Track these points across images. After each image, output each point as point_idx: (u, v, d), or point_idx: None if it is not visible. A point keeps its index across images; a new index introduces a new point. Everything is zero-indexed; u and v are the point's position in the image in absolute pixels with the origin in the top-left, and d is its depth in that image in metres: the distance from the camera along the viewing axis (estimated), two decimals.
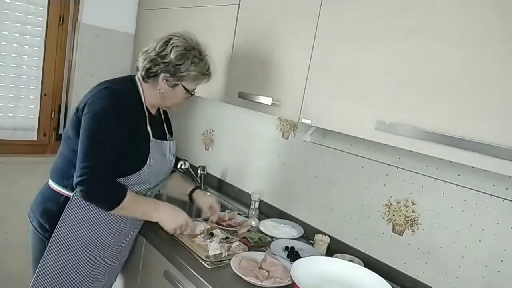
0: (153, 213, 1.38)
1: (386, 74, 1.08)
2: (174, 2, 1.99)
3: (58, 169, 1.38)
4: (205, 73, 1.39)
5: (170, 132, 1.58)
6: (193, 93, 1.42)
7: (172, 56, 1.31)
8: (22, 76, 2.13)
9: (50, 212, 1.34)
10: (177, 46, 1.32)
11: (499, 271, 1.19)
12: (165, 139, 1.49)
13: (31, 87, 2.16)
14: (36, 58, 2.15)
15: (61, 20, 2.20)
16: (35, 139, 2.22)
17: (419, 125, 1.00)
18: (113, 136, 1.26)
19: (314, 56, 1.28)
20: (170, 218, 1.40)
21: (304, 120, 1.31)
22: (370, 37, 1.12)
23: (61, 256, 1.33)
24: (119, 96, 1.31)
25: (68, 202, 1.31)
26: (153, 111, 1.46)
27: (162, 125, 1.53)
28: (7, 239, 2.17)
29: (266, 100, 1.41)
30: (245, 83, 1.55)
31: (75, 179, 1.24)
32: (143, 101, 1.39)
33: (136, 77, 1.41)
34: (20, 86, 2.13)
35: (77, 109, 1.33)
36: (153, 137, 1.39)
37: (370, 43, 1.12)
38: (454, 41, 0.95)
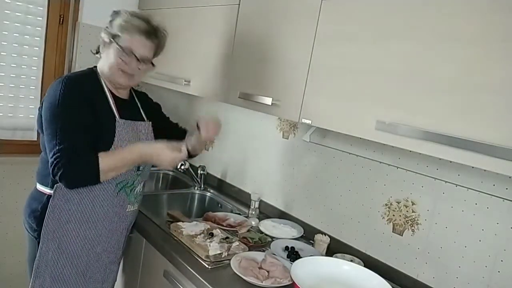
0: (137, 150, 1.31)
1: (386, 74, 1.08)
2: (174, 2, 1.99)
3: (39, 170, 1.40)
4: (136, 25, 1.32)
5: (155, 117, 1.54)
6: (131, 54, 1.32)
7: (113, 17, 1.36)
8: (22, 76, 2.13)
9: (35, 212, 1.35)
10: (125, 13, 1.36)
11: (499, 271, 1.19)
12: (139, 120, 1.46)
13: (31, 87, 2.16)
14: (36, 58, 2.15)
15: (61, 20, 2.20)
16: (35, 139, 2.21)
17: (419, 125, 1.00)
18: (71, 117, 1.24)
19: (314, 56, 1.28)
20: (158, 159, 1.32)
21: (304, 120, 1.31)
22: (370, 37, 1.12)
23: (52, 252, 1.33)
24: (71, 81, 1.29)
25: (51, 199, 1.31)
26: (122, 95, 1.43)
27: (136, 108, 1.50)
28: (7, 239, 2.17)
29: (266, 100, 1.41)
30: (245, 83, 1.55)
31: (50, 165, 1.22)
32: (103, 83, 1.37)
33: (97, 67, 1.42)
34: (20, 86, 2.13)
35: (41, 107, 1.33)
36: (120, 117, 1.36)
37: (370, 43, 1.12)
38: (454, 41, 0.95)
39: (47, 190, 1.34)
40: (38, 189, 1.38)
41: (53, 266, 1.34)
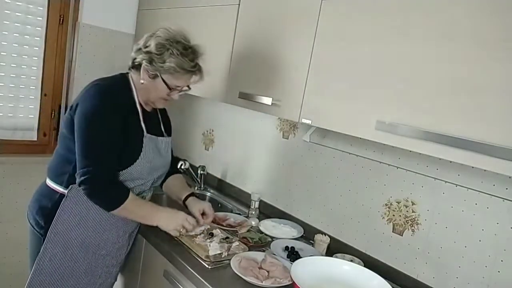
0: (151, 216, 1.38)
1: (386, 74, 1.08)
2: (174, 2, 1.99)
3: (53, 167, 1.40)
4: (186, 69, 1.33)
5: (168, 131, 1.58)
6: (176, 88, 1.37)
7: (152, 45, 1.32)
8: (22, 76, 2.13)
9: (45, 209, 1.36)
10: (159, 36, 1.33)
11: (499, 271, 1.19)
12: (161, 135, 1.49)
13: (31, 87, 2.16)
14: (36, 58, 2.15)
15: (61, 20, 2.20)
16: (35, 139, 2.22)
17: (419, 125, 1.00)
18: (106, 132, 1.28)
19: (314, 56, 1.28)
20: (168, 220, 1.40)
21: (304, 120, 1.31)
22: (370, 37, 1.12)
23: (56, 254, 1.34)
24: (108, 92, 1.32)
25: (63, 200, 1.32)
26: (148, 108, 1.46)
27: (158, 122, 1.53)
28: (7, 239, 2.17)
29: (266, 100, 1.41)
30: (245, 83, 1.55)
31: (78, 179, 1.26)
32: (135, 97, 1.39)
33: (129, 74, 1.42)
34: (20, 86, 2.13)
35: (71, 108, 1.34)
36: (147, 132, 1.40)
37: (370, 43, 1.12)
38: (454, 41, 0.95)
39: (59, 189, 1.35)
40: (50, 186, 1.38)
41: (55, 266, 1.34)
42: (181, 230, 1.41)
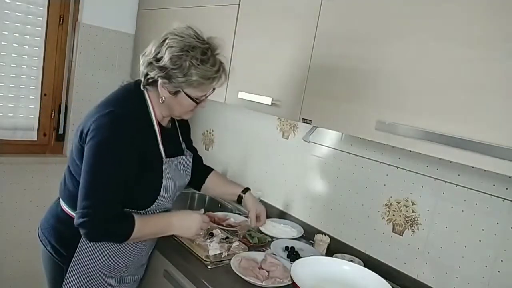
0: (165, 230, 1.27)
1: (386, 74, 1.08)
2: (174, 2, 1.99)
3: (70, 193, 1.25)
4: (210, 77, 1.18)
5: (189, 138, 1.48)
6: (202, 99, 1.24)
7: (166, 59, 1.14)
8: (22, 76, 2.13)
9: (64, 238, 1.26)
10: (172, 47, 1.14)
11: (499, 271, 1.19)
12: (180, 153, 1.37)
13: (31, 87, 2.16)
14: (36, 58, 2.15)
15: (61, 20, 2.20)
16: (35, 139, 2.22)
17: (419, 125, 1.00)
18: (116, 170, 1.15)
19: (314, 56, 1.28)
20: (186, 225, 1.29)
21: (304, 120, 1.31)
22: (370, 37, 1.12)
23: (81, 285, 1.26)
24: (122, 121, 1.16)
25: None
26: (165, 122, 1.32)
27: (177, 136, 1.41)
28: (7, 239, 2.17)
29: (266, 100, 1.41)
30: (245, 83, 1.55)
31: (76, 220, 1.13)
32: (152, 116, 1.25)
33: (145, 91, 1.26)
34: (20, 86, 2.13)
35: (81, 135, 1.20)
36: (166, 156, 1.28)
37: (370, 43, 1.12)
38: (454, 41, 0.95)
39: None
40: (67, 212, 1.27)
41: None
42: (201, 231, 1.36)
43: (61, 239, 1.27)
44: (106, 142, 1.14)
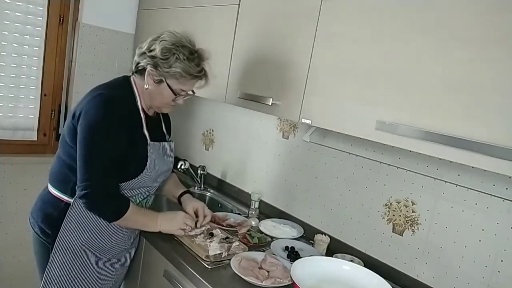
0: (153, 223, 1.40)
1: (386, 74, 1.08)
2: (174, 2, 1.99)
3: (56, 174, 1.38)
4: (192, 74, 1.31)
5: (169, 132, 1.57)
6: (181, 93, 1.35)
7: (158, 49, 1.28)
8: (22, 76, 2.13)
9: (51, 218, 1.34)
10: (165, 40, 1.29)
11: (499, 271, 1.19)
12: (164, 140, 1.48)
13: (31, 87, 2.16)
14: (36, 58, 2.15)
15: (61, 20, 2.20)
16: (35, 139, 2.22)
17: (419, 125, 1.00)
18: (110, 146, 1.26)
19: (314, 56, 1.28)
20: (170, 222, 1.41)
21: (304, 120, 1.31)
22: (370, 37, 1.12)
23: (66, 262, 1.33)
24: (112, 102, 1.28)
25: (69, 208, 1.31)
26: (150, 112, 1.43)
27: (160, 125, 1.51)
28: (7, 239, 2.17)
29: (266, 100, 1.41)
30: (245, 83, 1.55)
31: (78, 192, 1.25)
32: (139, 103, 1.37)
33: (131, 77, 1.39)
34: (20, 86, 2.13)
35: (73, 116, 1.31)
36: (151, 140, 1.38)
37: (370, 43, 1.12)
38: (454, 41, 0.95)
39: (64, 197, 1.34)
40: (53, 194, 1.37)
41: (65, 274, 1.34)
42: (185, 228, 1.43)
43: (47, 219, 1.36)
44: (98, 121, 1.25)
